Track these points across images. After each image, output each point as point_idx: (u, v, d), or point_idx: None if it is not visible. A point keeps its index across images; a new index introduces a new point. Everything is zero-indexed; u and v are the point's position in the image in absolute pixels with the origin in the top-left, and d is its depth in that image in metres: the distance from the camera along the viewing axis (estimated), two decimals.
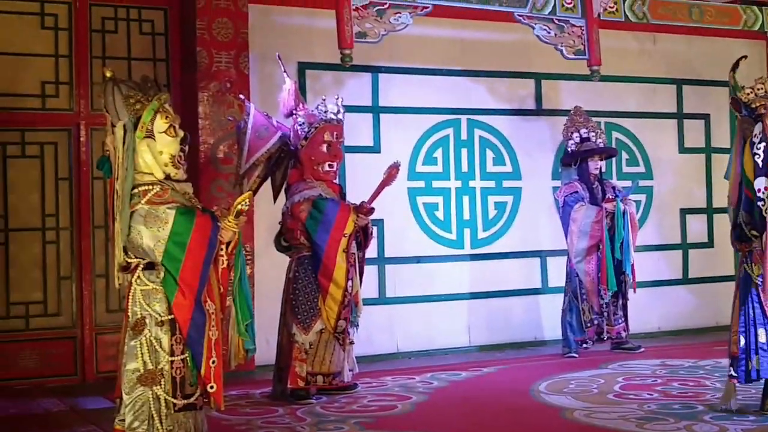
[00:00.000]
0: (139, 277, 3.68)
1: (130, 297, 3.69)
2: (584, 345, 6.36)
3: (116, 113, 3.73)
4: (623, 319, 6.44)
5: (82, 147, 5.88)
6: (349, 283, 4.87)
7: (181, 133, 3.85)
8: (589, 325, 6.34)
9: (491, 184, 7.01)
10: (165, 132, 3.77)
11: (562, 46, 6.13)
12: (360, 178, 6.24)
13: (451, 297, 6.77)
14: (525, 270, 7.05)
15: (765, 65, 7.91)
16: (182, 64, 6.05)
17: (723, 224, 7.70)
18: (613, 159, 7.17)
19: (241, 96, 5.30)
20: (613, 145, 7.28)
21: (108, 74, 3.79)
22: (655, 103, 7.59)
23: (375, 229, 5.88)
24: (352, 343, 5.03)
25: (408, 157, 6.70)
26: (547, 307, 6.94)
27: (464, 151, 6.93)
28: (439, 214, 6.84)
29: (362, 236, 5.03)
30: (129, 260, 3.69)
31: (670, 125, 7.65)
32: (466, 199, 6.92)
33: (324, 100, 5.08)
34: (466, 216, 6.92)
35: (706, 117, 7.79)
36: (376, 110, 6.67)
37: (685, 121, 7.70)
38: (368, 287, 5.95)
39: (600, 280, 6.23)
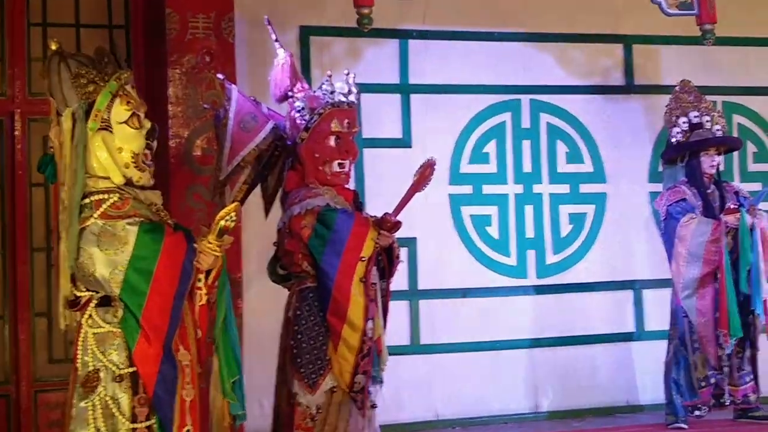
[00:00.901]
0: (90, 316, 3.85)
1: (80, 343, 3.86)
2: (696, 412, 6.42)
3: (63, 98, 3.90)
4: (752, 376, 6.47)
5: (18, 143, 6.09)
6: (369, 324, 4.92)
7: (148, 124, 4.02)
8: (703, 384, 6.38)
9: (564, 188, 7.20)
10: (126, 122, 3.95)
11: None
12: (383, 181, 6.47)
13: (510, 344, 6.95)
14: (612, 307, 7.21)
15: None
16: (147, 32, 6.25)
17: None
18: (736, 153, 7.29)
19: (220, 75, 5.44)
20: (736, 134, 7.39)
21: (53, 47, 3.97)
22: None
23: (404, 252, 6.05)
24: (374, 406, 5.12)
25: (449, 153, 6.93)
26: (644, 360, 7.10)
27: (526, 144, 7.13)
28: (493, 231, 7.04)
29: (385, 261, 5.09)
30: (78, 293, 3.87)
31: None
32: (529, 210, 7.10)
33: (330, 76, 5.14)
34: (530, 233, 7.10)
35: None
36: (404, 90, 6.90)
37: None
38: (396, 330, 6.11)
39: (718, 323, 6.22)
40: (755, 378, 6.51)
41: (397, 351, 6.05)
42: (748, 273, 6.32)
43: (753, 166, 7.61)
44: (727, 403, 6.45)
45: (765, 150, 7.65)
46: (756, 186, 7.20)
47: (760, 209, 6.49)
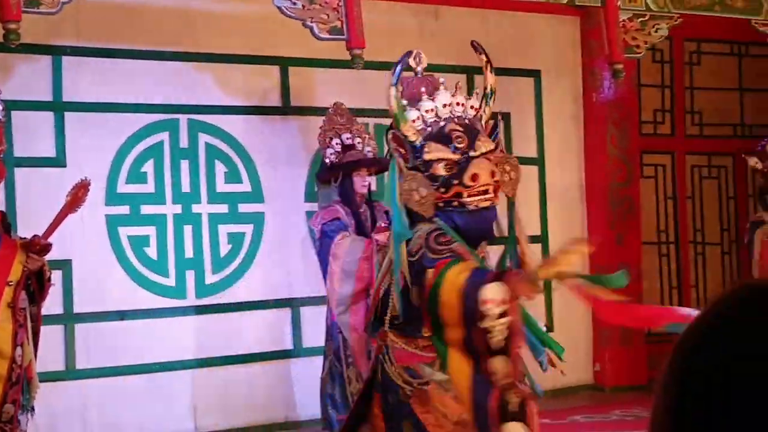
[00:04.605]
0: None
1: None
2: None
3: None
4: None
5: None
6: (18, 351, 4.91)
7: None
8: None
9: (223, 208, 7.35)
10: None
11: (312, 21, 6.29)
12: (36, 201, 6.37)
13: (171, 366, 7.02)
14: (272, 326, 7.44)
15: (578, 48, 8.86)
16: None
17: None
18: (386, 174, 7.72)
19: None
20: (387, 155, 7.85)
21: None
22: None
23: (57, 274, 5.98)
24: None
25: (106, 173, 6.91)
26: (301, 376, 7.35)
27: (185, 164, 7.23)
28: (151, 252, 7.09)
29: (35, 284, 5.08)
30: None
31: None
32: (188, 230, 7.21)
33: None
34: (189, 253, 7.20)
35: (505, 116, 8.45)
36: (58, 107, 6.82)
37: None
38: (49, 356, 6.02)
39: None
40: None
41: (51, 377, 5.99)
42: None
43: None
44: None
45: None
46: None
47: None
